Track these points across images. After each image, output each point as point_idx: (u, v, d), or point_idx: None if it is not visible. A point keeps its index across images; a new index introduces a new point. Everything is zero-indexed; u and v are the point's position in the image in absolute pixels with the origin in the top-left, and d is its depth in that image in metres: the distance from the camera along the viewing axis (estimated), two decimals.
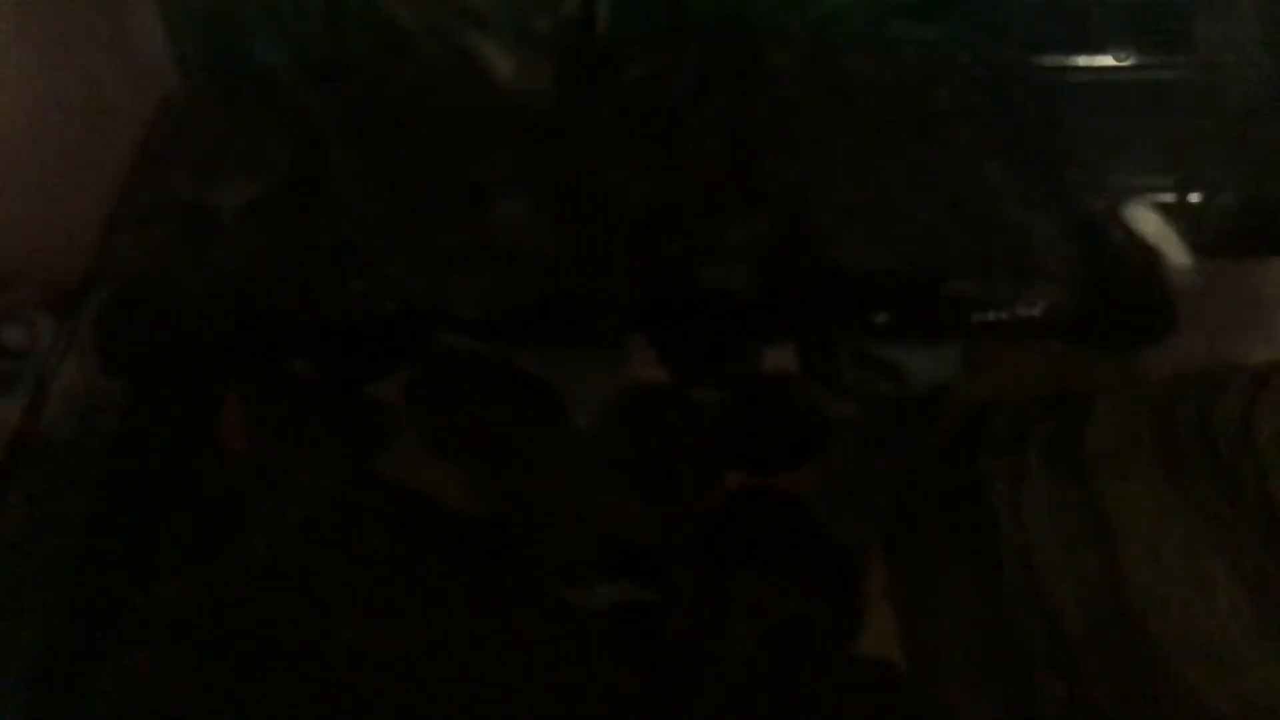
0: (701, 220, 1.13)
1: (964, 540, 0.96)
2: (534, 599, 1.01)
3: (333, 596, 0.92)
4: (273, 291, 0.99)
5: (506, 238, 1.13)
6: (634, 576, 1.08)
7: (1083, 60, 1.35)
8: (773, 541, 1.14)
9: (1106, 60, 1.35)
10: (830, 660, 1.07)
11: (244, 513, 0.98)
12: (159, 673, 0.82)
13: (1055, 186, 1.16)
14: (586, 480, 1.16)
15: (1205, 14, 1.36)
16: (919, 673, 0.99)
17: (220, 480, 1.05)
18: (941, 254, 1.07)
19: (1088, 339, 1.07)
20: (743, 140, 1.19)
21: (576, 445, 1.18)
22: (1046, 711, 0.90)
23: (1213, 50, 1.35)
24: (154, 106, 1.19)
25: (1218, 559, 0.85)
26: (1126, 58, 1.35)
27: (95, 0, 1.38)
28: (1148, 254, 1.13)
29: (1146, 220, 1.21)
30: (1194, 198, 1.35)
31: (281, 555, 0.94)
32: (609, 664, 1.02)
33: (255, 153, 1.11)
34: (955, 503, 0.98)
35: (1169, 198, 1.35)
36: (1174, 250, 1.19)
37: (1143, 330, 1.05)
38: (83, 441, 0.99)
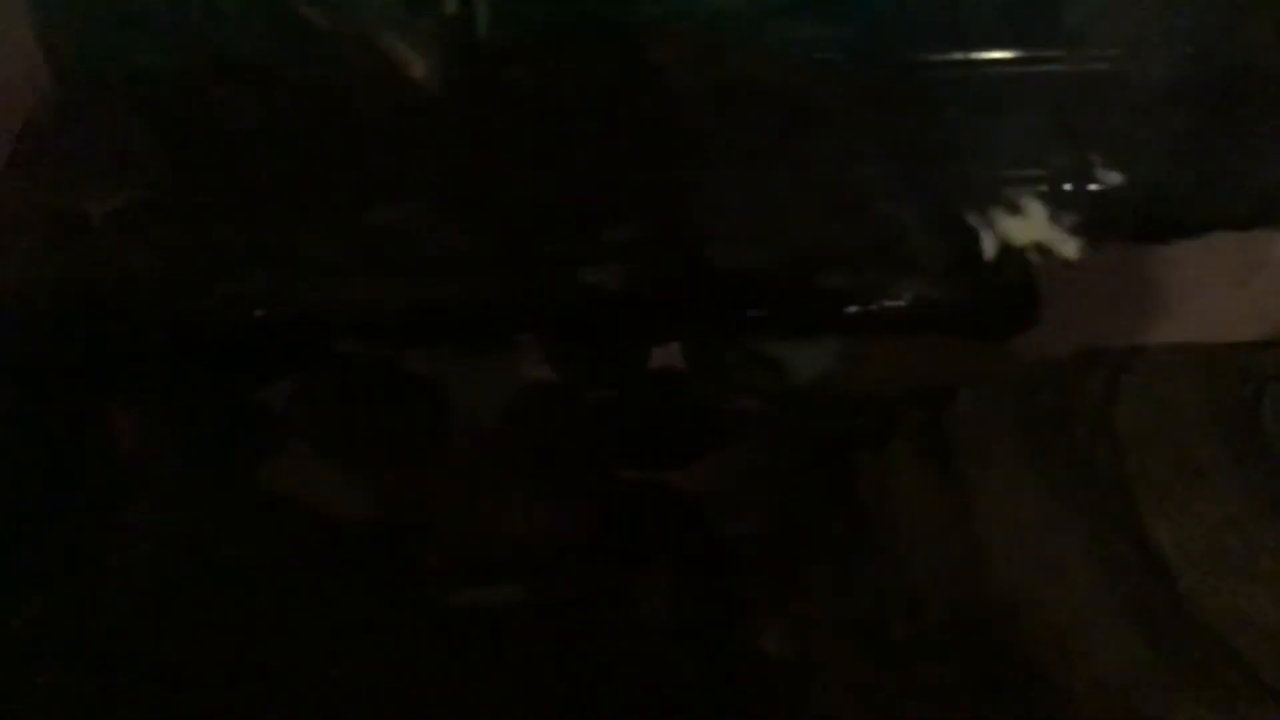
0: (581, 221, 1.13)
1: (839, 534, 0.97)
2: (420, 604, 1.00)
3: (204, 609, 0.91)
4: (140, 298, 0.97)
5: (386, 241, 1.12)
6: (524, 578, 1.08)
7: (972, 55, 1.37)
8: (664, 539, 1.14)
9: (995, 54, 1.38)
10: (718, 656, 1.08)
11: (117, 524, 0.97)
12: (19, 691, 0.80)
13: (930, 182, 1.18)
14: (477, 482, 1.15)
15: (1097, 6, 1.39)
16: (801, 666, 1.00)
17: (95, 491, 1.03)
18: (814, 249, 1.09)
19: (956, 329, 1.09)
20: (624, 140, 1.19)
21: (468, 447, 1.18)
22: (918, 700, 0.91)
23: (1105, 40, 1.38)
24: (25, 112, 1.17)
25: (1075, 543, 0.87)
26: (1014, 51, 1.37)
27: None
28: (1015, 246, 1.16)
29: (1028, 211, 1.24)
30: (1086, 185, 1.38)
31: (153, 567, 0.92)
32: (495, 667, 1.02)
33: (127, 158, 1.10)
34: (830, 497, 0.99)
35: (1059, 186, 1.37)
36: (1056, 240, 1.22)
37: (1007, 320, 1.07)
38: None
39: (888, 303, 1.06)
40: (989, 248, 1.11)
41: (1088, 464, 0.90)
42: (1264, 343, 1.07)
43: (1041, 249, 1.20)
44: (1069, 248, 1.22)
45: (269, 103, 1.22)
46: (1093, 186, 1.32)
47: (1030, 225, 1.23)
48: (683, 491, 1.20)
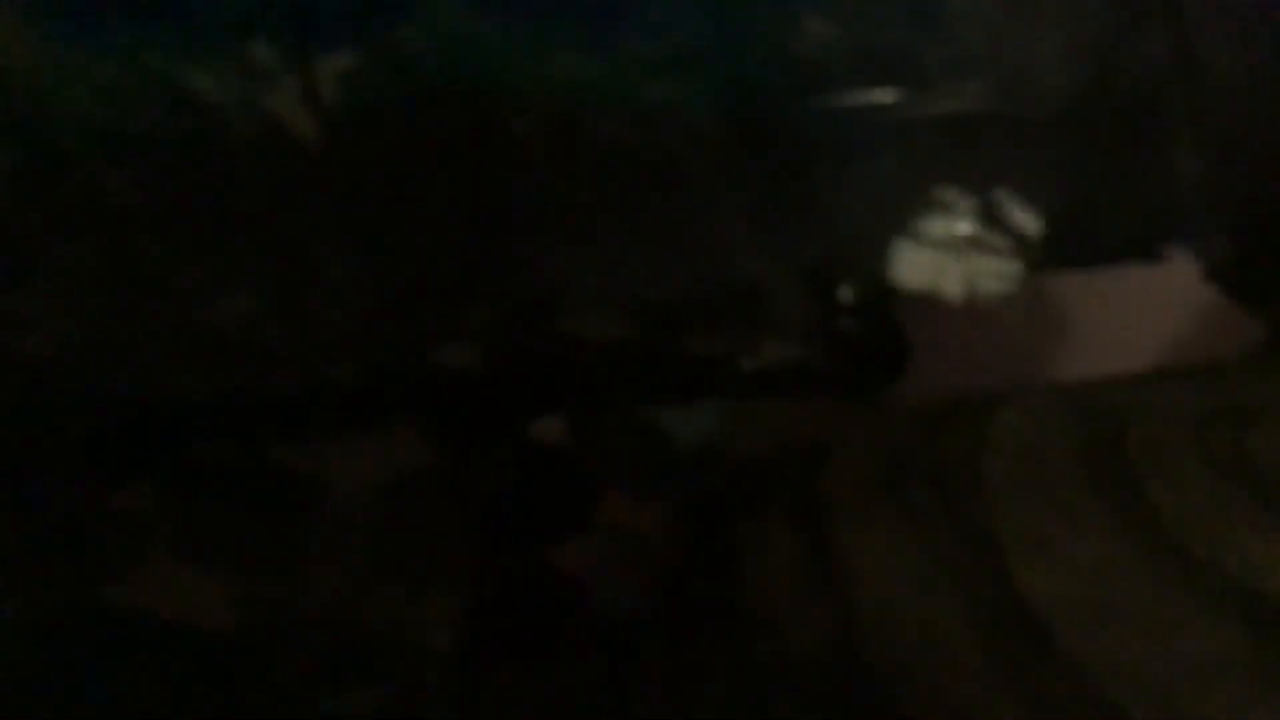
0: (439, 299, 1.10)
1: (719, 609, 0.94)
2: (280, 714, 0.94)
3: None
4: None
5: (231, 332, 1.08)
6: (391, 679, 1.03)
7: (847, 102, 1.36)
8: (543, 622, 1.09)
9: (868, 99, 1.37)
10: None
11: None
12: None
13: (796, 237, 1.16)
14: (346, 578, 1.10)
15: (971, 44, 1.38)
16: None
17: None
18: (675, 314, 1.06)
19: (826, 387, 1.07)
20: (483, 214, 1.16)
21: (338, 540, 1.12)
22: None
23: (982, 78, 1.38)
24: None
25: (950, 604, 0.84)
26: (887, 94, 1.37)
27: None
28: (892, 294, 1.14)
29: (908, 257, 1.23)
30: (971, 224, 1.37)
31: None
32: None
33: None
34: (709, 570, 0.96)
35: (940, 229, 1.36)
36: (943, 283, 1.21)
37: (875, 375, 1.05)
38: None
39: (759, 364, 1.04)
40: (852, 302, 1.09)
41: (959, 518, 0.87)
42: (1137, 377, 1.07)
43: (928, 293, 1.19)
44: (954, 290, 1.21)
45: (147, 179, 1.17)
46: (966, 229, 1.32)
47: (914, 270, 1.22)
48: (564, 571, 1.15)
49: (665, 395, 1.09)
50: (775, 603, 0.90)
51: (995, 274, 1.21)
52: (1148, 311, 1.23)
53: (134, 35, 1.17)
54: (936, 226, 1.23)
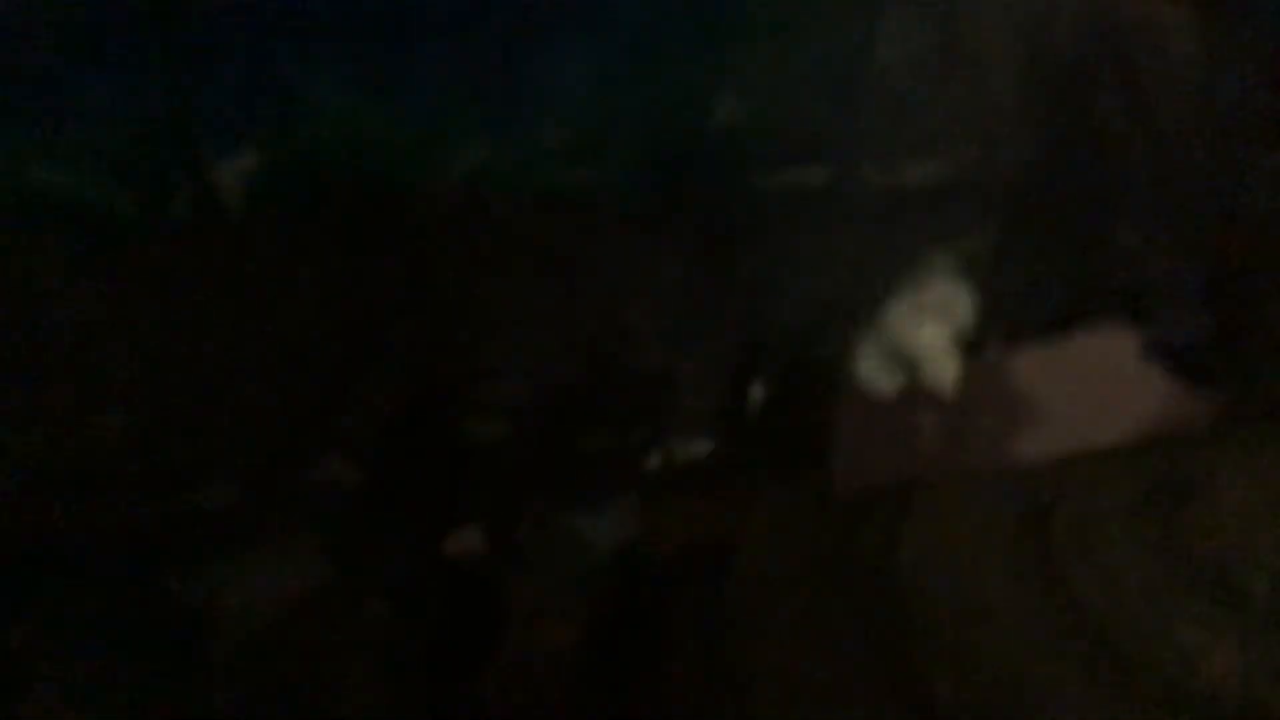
0: (320, 408, 1.03)
1: None
2: None
3: None
4: None
5: (102, 456, 1.01)
6: None
7: (790, 177, 1.29)
8: None
9: (810, 176, 1.31)
10: None
11: None
12: None
13: (710, 325, 1.09)
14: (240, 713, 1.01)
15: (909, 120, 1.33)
16: None
17: None
18: (575, 411, 0.99)
19: (740, 482, 0.99)
20: (379, 309, 1.10)
21: (222, 677, 1.03)
22: None
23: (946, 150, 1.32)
24: None
25: (860, 711, 0.75)
26: (831, 171, 1.30)
27: None
28: (803, 387, 1.07)
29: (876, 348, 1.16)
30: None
31: None
32: None
33: None
34: (616, 692, 0.87)
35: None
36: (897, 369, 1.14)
37: (789, 466, 0.97)
38: None
39: (667, 459, 0.96)
40: (768, 393, 1.02)
41: (869, 620, 0.78)
42: (1072, 456, 0.99)
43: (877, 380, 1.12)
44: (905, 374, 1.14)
45: None
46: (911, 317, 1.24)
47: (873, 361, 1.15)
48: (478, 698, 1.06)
49: (573, 496, 1.01)
50: None
51: (937, 355, 1.13)
52: (1095, 387, 1.15)
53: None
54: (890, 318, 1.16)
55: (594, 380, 0.98)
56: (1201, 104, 1.24)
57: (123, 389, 1.01)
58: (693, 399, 0.96)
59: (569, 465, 0.96)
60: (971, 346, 1.21)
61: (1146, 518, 0.82)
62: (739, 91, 1.23)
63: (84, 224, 1.12)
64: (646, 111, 1.21)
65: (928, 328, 1.15)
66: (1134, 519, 0.82)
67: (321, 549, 1.10)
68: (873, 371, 1.12)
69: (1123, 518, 0.82)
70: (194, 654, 1.07)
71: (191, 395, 1.01)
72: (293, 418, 0.95)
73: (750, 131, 1.25)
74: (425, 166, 1.21)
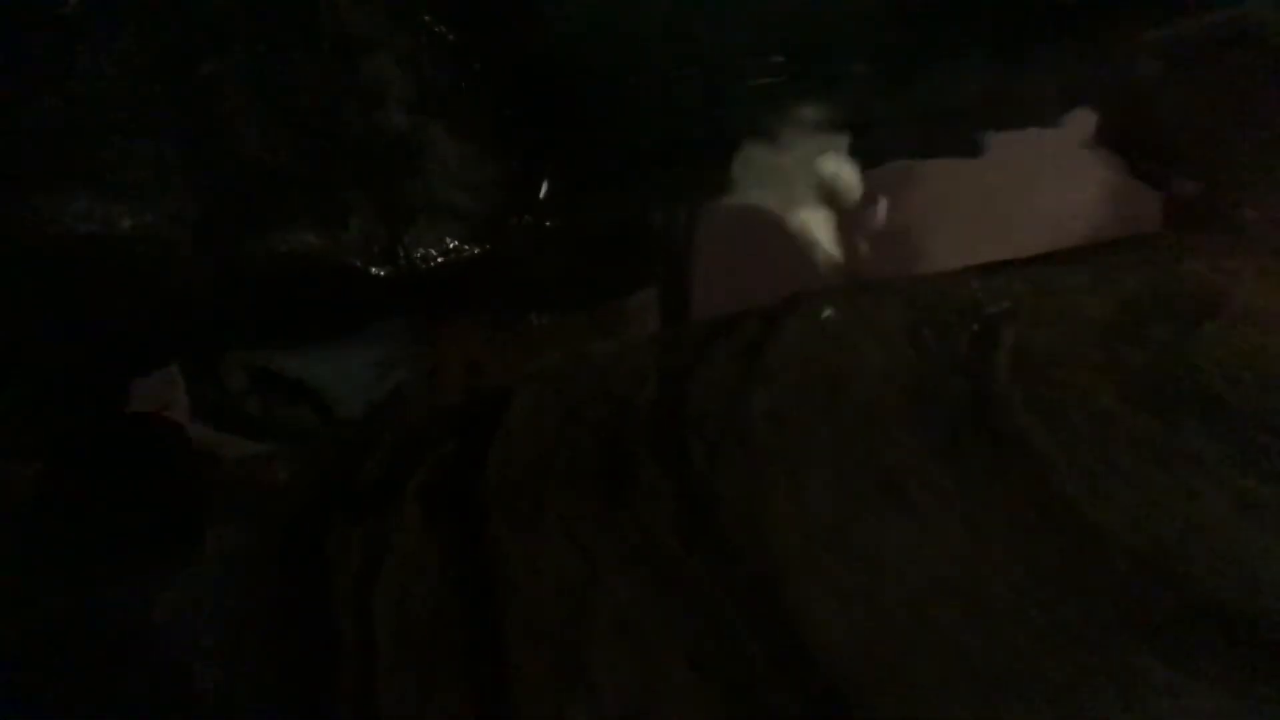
0: None
1: (300, 675, 0.51)
2: None
3: None
4: None
5: None
6: None
7: None
8: None
9: None
10: None
11: None
12: None
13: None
14: None
15: None
16: None
17: None
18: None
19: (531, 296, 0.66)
20: None
21: None
22: None
23: None
24: None
25: (665, 642, 0.44)
26: None
27: None
28: None
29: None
30: None
31: None
32: None
33: None
34: (294, 618, 0.53)
35: None
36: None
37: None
38: None
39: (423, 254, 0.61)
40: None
41: (696, 509, 0.47)
42: (997, 264, 0.68)
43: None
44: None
45: None
46: None
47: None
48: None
49: (287, 333, 0.66)
50: (380, 661, 0.48)
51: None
52: (1026, 192, 0.85)
53: None
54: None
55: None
56: None
57: None
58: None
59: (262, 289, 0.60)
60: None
61: (1130, 350, 0.51)
62: None
63: None
64: None
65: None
66: (1112, 353, 0.52)
67: None
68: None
69: (1097, 351, 0.52)
70: None
71: None
72: None
73: None
74: None
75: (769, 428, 0.49)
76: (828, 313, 0.58)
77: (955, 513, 0.47)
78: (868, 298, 0.60)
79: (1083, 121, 0.93)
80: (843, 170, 0.92)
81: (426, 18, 0.81)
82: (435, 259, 0.63)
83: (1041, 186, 0.90)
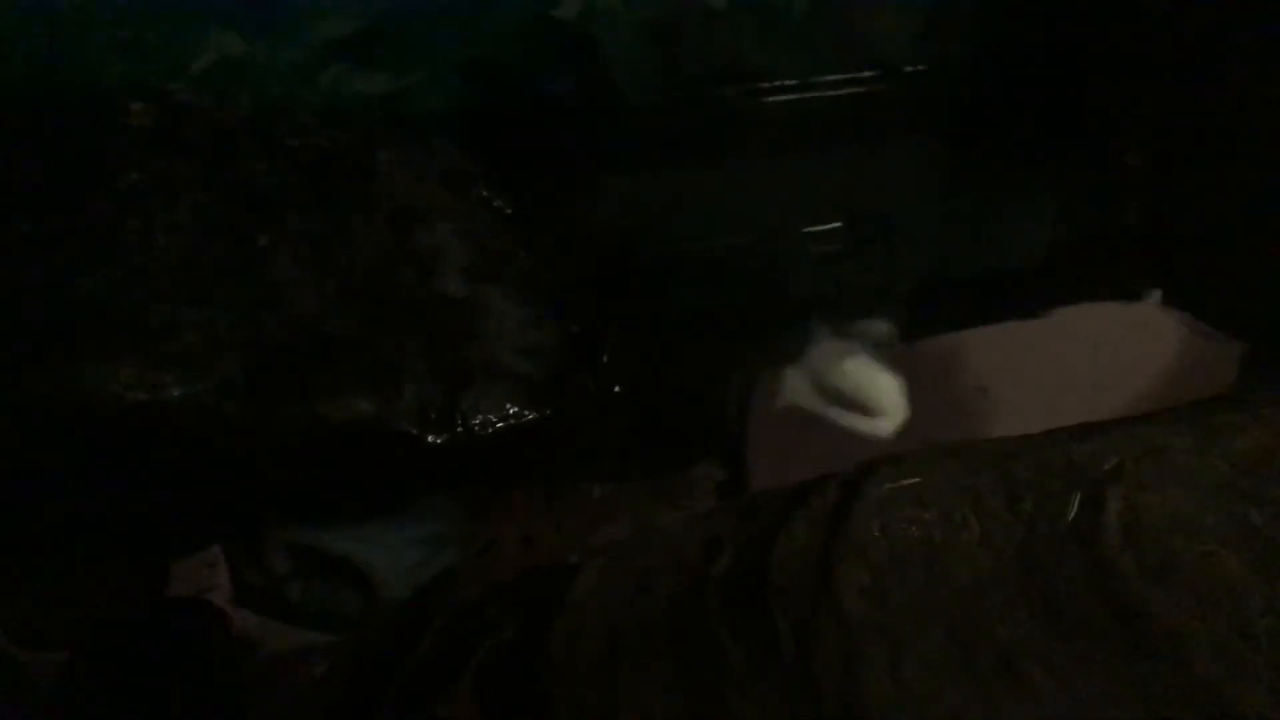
0: None
1: None
2: None
3: None
4: None
5: None
6: None
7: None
8: None
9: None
10: None
11: None
12: None
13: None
14: None
15: None
16: None
17: None
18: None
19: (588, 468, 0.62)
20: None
21: None
22: None
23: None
24: None
25: None
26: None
27: None
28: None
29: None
30: None
31: None
32: None
33: None
34: None
35: None
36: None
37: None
38: None
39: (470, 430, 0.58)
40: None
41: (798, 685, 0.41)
42: (1092, 425, 0.64)
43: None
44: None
45: None
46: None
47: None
48: None
49: (335, 508, 0.63)
50: None
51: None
52: (1098, 350, 0.83)
53: None
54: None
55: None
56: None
57: None
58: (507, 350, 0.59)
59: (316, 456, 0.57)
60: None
61: (1251, 507, 0.47)
62: None
63: None
64: None
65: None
66: (1230, 512, 0.47)
67: None
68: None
69: (1213, 509, 0.47)
70: None
71: None
72: None
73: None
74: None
75: (863, 603, 0.44)
76: (913, 480, 0.54)
77: (1081, 696, 0.42)
78: (954, 463, 0.55)
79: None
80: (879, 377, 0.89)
81: (484, 192, 0.81)
82: (494, 424, 0.60)
83: (1113, 344, 0.86)
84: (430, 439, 0.60)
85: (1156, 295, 0.90)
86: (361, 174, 0.75)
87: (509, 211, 0.77)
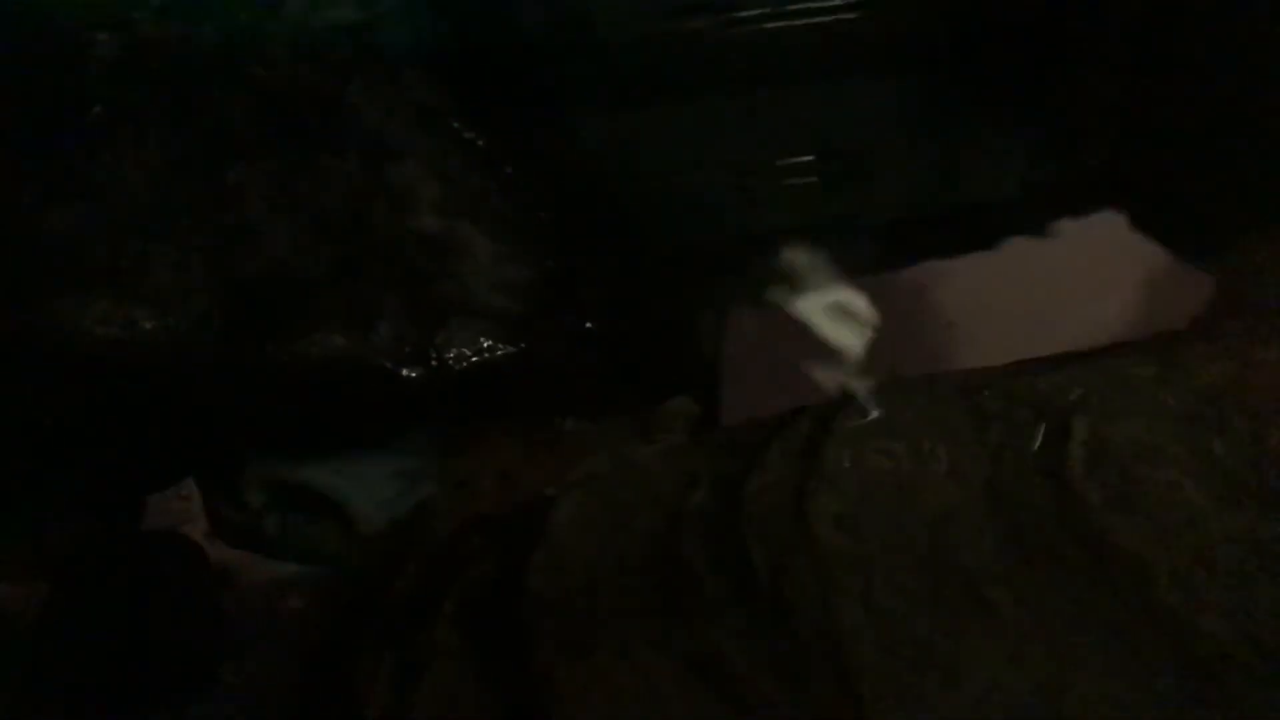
0: None
1: None
2: None
3: None
4: None
5: None
6: None
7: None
8: None
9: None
10: None
11: None
12: None
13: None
14: None
15: None
16: None
17: None
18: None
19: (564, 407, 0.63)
20: None
21: None
22: None
23: None
24: None
25: None
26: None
27: None
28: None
29: None
30: None
31: None
32: None
33: None
34: None
35: None
36: None
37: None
38: None
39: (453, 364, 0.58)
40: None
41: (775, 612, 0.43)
42: (1060, 356, 0.65)
43: None
44: None
45: None
46: None
47: None
48: None
49: (311, 443, 0.63)
50: None
51: None
52: (1067, 282, 0.83)
53: None
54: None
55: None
56: None
57: None
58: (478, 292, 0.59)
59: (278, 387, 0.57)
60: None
61: (1214, 438, 0.48)
62: None
63: None
64: None
65: None
66: (1195, 444, 0.48)
67: None
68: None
69: (1180, 442, 0.48)
70: None
71: None
72: None
73: None
74: None
75: (837, 533, 0.45)
76: (883, 412, 0.55)
77: (1047, 623, 0.43)
78: (923, 395, 0.56)
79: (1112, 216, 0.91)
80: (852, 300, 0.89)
81: (455, 125, 0.80)
82: (469, 359, 0.60)
83: (1082, 275, 0.87)
84: (406, 374, 0.60)
85: (1125, 226, 0.91)
86: (331, 109, 0.75)
87: (482, 146, 0.77)
